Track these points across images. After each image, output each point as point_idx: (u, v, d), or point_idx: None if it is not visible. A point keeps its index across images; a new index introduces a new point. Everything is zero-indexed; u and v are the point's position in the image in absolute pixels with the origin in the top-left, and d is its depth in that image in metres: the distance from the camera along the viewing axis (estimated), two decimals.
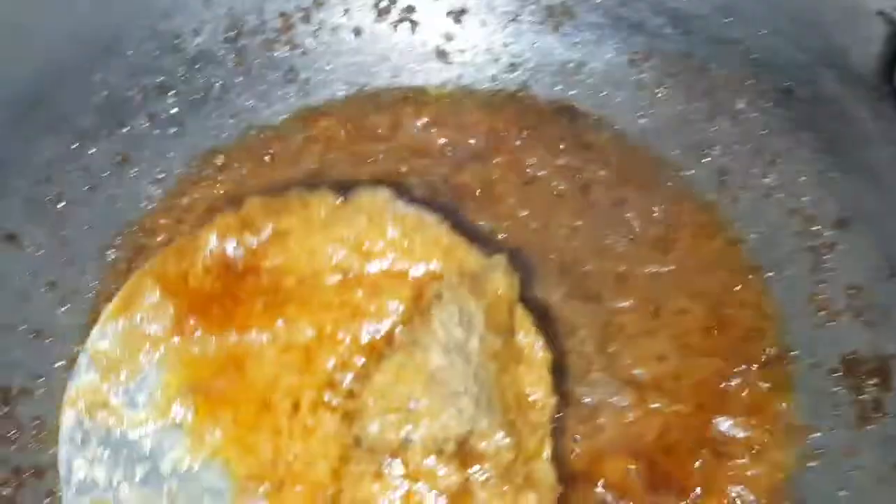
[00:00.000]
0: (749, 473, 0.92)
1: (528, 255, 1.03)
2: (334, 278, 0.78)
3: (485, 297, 0.76)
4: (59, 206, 1.00)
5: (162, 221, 1.05)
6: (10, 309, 0.95)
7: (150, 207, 1.05)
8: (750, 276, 1.02)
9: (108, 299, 0.97)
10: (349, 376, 0.76)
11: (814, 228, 1.00)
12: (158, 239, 1.04)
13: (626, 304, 1.00)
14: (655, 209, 1.06)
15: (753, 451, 0.93)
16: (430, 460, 0.71)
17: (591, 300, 1.01)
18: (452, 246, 0.78)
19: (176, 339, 0.78)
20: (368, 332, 0.76)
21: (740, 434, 0.94)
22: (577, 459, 0.91)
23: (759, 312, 1.00)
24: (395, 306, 0.76)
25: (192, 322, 0.78)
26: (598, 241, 1.04)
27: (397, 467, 0.72)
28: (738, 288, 1.01)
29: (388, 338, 0.76)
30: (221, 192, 1.07)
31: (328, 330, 0.77)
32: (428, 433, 0.72)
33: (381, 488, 0.71)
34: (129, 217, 1.04)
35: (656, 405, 0.95)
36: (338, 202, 0.79)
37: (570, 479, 0.86)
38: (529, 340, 0.78)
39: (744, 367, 0.97)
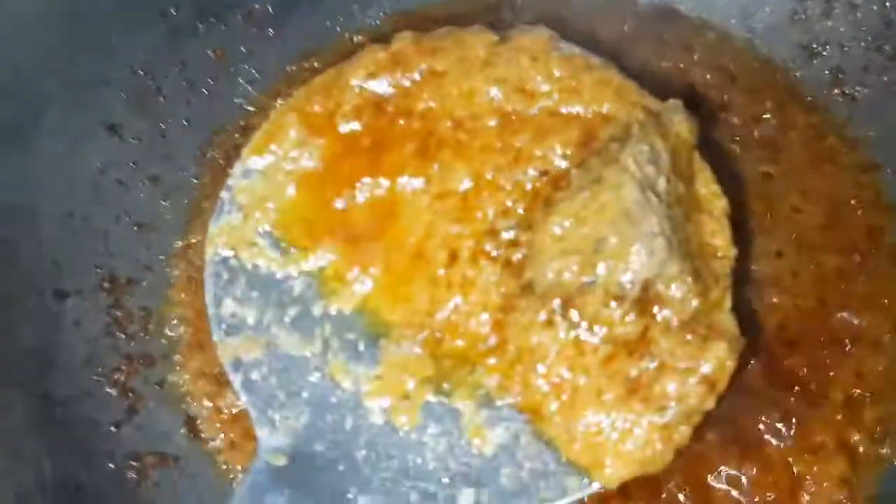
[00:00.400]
0: (870, 367, 0.89)
1: None
2: (494, 121, 0.73)
3: (668, 140, 0.70)
4: (159, 100, 0.98)
5: (258, 122, 1.01)
6: (113, 200, 0.94)
7: (245, 107, 1.04)
8: (867, 174, 0.98)
9: (209, 197, 0.99)
10: (512, 224, 0.71)
11: None
12: None
13: (746, 199, 0.96)
14: (763, 112, 1.02)
15: (875, 347, 0.90)
16: (612, 306, 0.66)
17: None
18: (624, 88, 0.73)
19: (323, 178, 0.74)
20: (533, 177, 0.71)
21: (862, 328, 0.90)
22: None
23: (878, 208, 0.96)
24: (563, 149, 0.71)
25: (339, 163, 0.74)
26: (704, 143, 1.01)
27: (574, 314, 0.67)
28: (854, 186, 0.98)
29: (557, 182, 0.71)
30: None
31: (488, 176, 0.72)
32: (612, 276, 0.66)
33: (551, 336, 0.67)
34: (227, 116, 1.03)
35: (775, 300, 0.92)
36: (496, 40, 0.74)
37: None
38: (709, 190, 0.73)
39: (863, 263, 0.94)
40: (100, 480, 0.81)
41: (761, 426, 0.86)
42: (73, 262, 0.89)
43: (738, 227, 0.92)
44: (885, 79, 0.99)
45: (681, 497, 0.82)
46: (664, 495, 0.82)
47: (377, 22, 1.09)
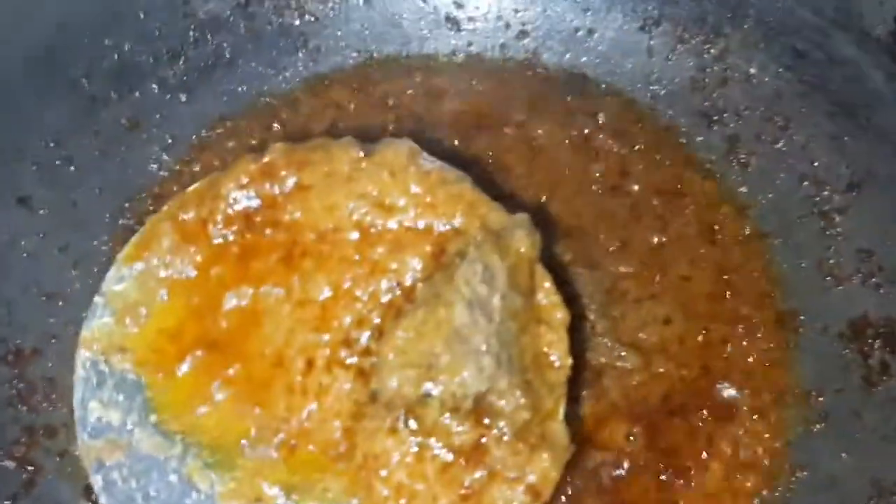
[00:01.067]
0: (753, 438, 0.90)
1: (535, 222, 1.02)
2: (354, 234, 0.76)
3: (508, 256, 0.74)
4: (70, 170, 1.00)
5: (172, 188, 1.04)
6: (23, 271, 0.95)
7: (160, 174, 1.05)
8: (756, 243, 1.00)
9: None
10: (366, 334, 0.75)
11: (824, 193, 0.98)
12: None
13: (629, 269, 0.99)
14: (661, 178, 1.05)
15: (757, 416, 0.91)
16: (447, 417, 0.70)
17: (595, 266, 1.00)
18: (476, 202, 0.76)
19: (193, 285, 0.76)
20: (388, 288, 0.75)
21: (745, 398, 0.92)
22: (581, 422, 0.91)
23: (766, 278, 0.98)
24: (416, 262, 0.75)
25: (209, 270, 0.76)
26: (602, 210, 1.03)
27: (412, 423, 0.71)
28: (743, 254, 1.00)
29: (409, 294, 0.75)
30: (230, 160, 1.05)
31: (346, 286, 0.75)
32: (446, 390, 0.70)
33: (394, 443, 0.70)
34: (140, 183, 1.04)
35: (661, 369, 0.93)
36: (361, 156, 0.77)
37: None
38: (549, 301, 0.76)
39: (750, 332, 0.96)
40: None
41: (643, 494, 0.88)
42: None
43: (623, 296, 0.98)
44: (776, 147, 1.02)
45: None
46: None
47: (290, 85, 1.12)
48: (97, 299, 0.78)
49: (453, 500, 0.69)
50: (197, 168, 1.06)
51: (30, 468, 0.88)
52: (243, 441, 0.74)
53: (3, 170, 0.96)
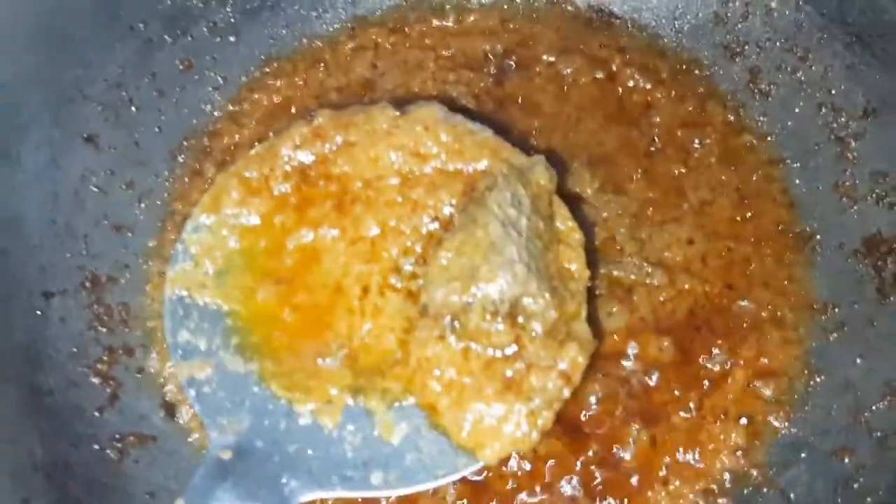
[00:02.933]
0: (773, 348, 0.94)
1: (565, 154, 1.04)
2: (395, 180, 0.85)
3: (530, 187, 0.83)
4: (131, 110, 1.01)
5: (224, 126, 1.07)
6: (93, 206, 0.98)
7: (213, 113, 1.07)
8: (775, 168, 1.02)
9: (180, 198, 1.03)
10: (411, 261, 0.83)
11: (841, 120, 0.98)
12: (224, 141, 1.06)
13: (654, 195, 1.01)
14: (684, 110, 1.06)
15: (777, 328, 0.95)
16: (487, 320, 0.77)
17: (622, 192, 1.02)
18: (498, 147, 0.85)
19: (260, 230, 0.85)
20: (427, 222, 0.84)
21: (766, 312, 0.95)
22: (612, 336, 0.95)
23: (784, 201, 1.00)
24: (450, 198, 0.84)
25: (273, 218, 0.85)
26: (627, 141, 1.05)
27: (458, 328, 0.78)
28: (763, 179, 1.02)
29: (446, 225, 0.83)
30: (278, 99, 1.08)
31: (392, 224, 0.84)
32: (485, 296, 0.77)
33: (443, 348, 0.77)
34: (195, 122, 1.06)
35: (686, 286, 0.96)
36: (396, 115, 0.86)
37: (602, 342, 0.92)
38: (566, 226, 0.85)
39: (769, 251, 0.98)
40: (86, 459, 0.87)
41: (671, 399, 0.92)
42: (58, 265, 0.93)
43: (650, 220, 1.01)
44: (795, 77, 1.02)
45: (593, 468, 0.90)
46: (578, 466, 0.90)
47: (331, 27, 1.13)
48: (178, 247, 0.85)
49: (497, 388, 0.76)
50: (247, 106, 1.08)
51: (112, 383, 0.93)
52: (312, 356, 0.81)
53: (70, 110, 0.97)
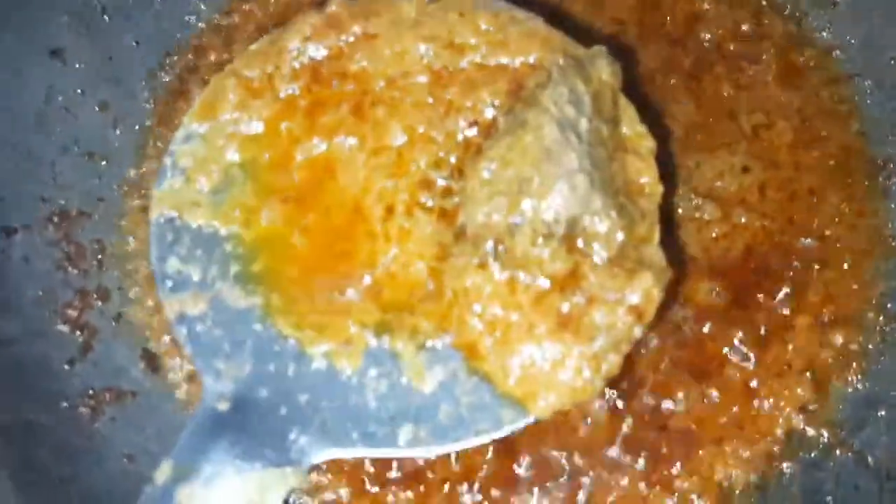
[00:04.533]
0: (842, 291, 0.82)
1: None
2: (425, 77, 0.70)
3: (591, 83, 0.67)
4: (103, 19, 0.88)
5: (211, 41, 0.93)
6: (60, 129, 0.85)
7: (198, 25, 0.93)
8: (843, 87, 0.88)
9: (162, 122, 0.91)
10: (445, 174, 0.69)
11: None
12: (211, 58, 0.92)
13: (702, 118, 0.87)
14: (736, 21, 0.91)
15: (846, 269, 0.82)
16: (539, 244, 0.63)
17: (665, 115, 0.88)
18: (550, 38, 0.70)
19: (263, 140, 0.71)
20: (463, 127, 0.69)
21: (833, 251, 0.83)
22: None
23: (854, 124, 0.87)
24: (492, 99, 0.69)
25: (279, 125, 0.71)
26: (671, 57, 0.90)
27: (502, 254, 0.64)
28: (829, 100, 0.88)
29: (487, 131, 0.68)
30: (274, 8, 0.94)
31: (420, 130, 0.69)
32: (537, 215, 0.63)
33: (485, 278, 0.63)
34: (178, 35, 0.92)
35: (742, 220, 0.84)
36: (426, 1, 0.71)
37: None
38: (634, 131, 0.69)
39: (836, 181, 0.85)
40: (54, 419, 0.76)
41: (725, 349, 0.80)
42: (20, 197, 0.82)
43: (697, 146, 0.87)
44: None
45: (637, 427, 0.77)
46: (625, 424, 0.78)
47: None
48: (166, 160, 0.72)
49: (551, 326, 0.62)
50: (237, 19, 0.94)
51: (84, 331, 0.82)
52: (327, 288, 0.68)
53: (34, 20, 0.84)
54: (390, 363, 0.65)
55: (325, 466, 0.79)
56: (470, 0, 0.71)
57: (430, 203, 0.68)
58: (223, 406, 0.64)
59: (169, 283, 0.69)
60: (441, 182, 0.68)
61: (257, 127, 0.71)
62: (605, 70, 0.68)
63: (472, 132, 0.68)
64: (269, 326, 0.67)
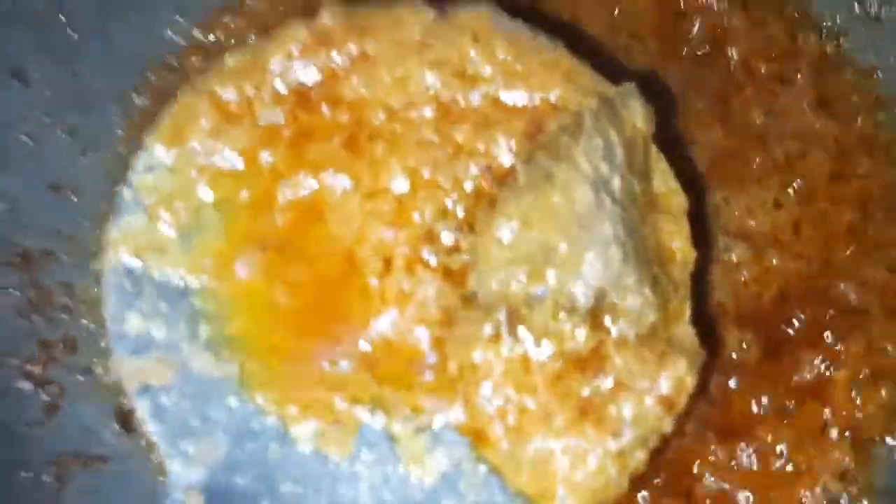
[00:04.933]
0: (886, 342, 0.77)
1: None
2: (431, 111, 0.64)
3: (623, 131, 0.62)
4: (71, 38, 0.82)
5: (192, 60, 0.85)
6: (25, 159, 0.80)
7: (176, 40, 0.85)
8: (887, 112, 0.84)
9: (135, 148, 0.83)
10: (452, 228, 0.62)
11: None
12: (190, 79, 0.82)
13: (730, 146, 0.83)
14: (768, 38, 0.86)
15: (891, 316, 0.78)
16: (562, 319, 0.58)
17: (689, 143, 0.82)
18: (575, 71, 0.64)
19: (240, 175, 0.64)
20: (475, 174, 0.62)
21: (875, 296, 0.79)
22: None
23: None
24: (508, 141, 0.62)
25: (259, 158, 0.64)
26: (695, 77, 0.85)
27: (519, 328, 0.58)
28: (870, 126, 0.84)
29: (500, 179, 0.62)
30: (262, 23, 0.82)
31: (425, 173, 0.63)
32: (563, 287, 0.58)
33: (495, 353, 0.58)
34: (153, 52, 0.85)
35: (774, 262, 0.80)
36: (433, 18, 0.64)
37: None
38: (667, 187, 0.64)
39: (881, 218, 0.81)
40: (13, 490, 0.71)
41: (753, 416, 0.75)
42: None
43: (725, 179, 0.81)
44: None
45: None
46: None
47: None
48: (125, 192, 0.67)
49: (571, 416, 0.58)
50: (220, 35, 0.86)
51: (48, 388, 0.76)
52: (314, 356, 0.62)
53: None
54: (385, 447, 0.60)
55: None
56: (485, 19, 0.64)
57: (433, 260, 0.62)
58: (194, 499, 0.59)
59: (128, 346, 0.63)
60: (448, 237, 0.62)
61: (234, 159, 0.64)
62: (638, 114, 0.62)
63: (485, 180, 0.62)
64: (247, 401, 0.61)
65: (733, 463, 0.73)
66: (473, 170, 0.62)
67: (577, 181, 0.58)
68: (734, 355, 0.76)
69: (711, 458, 0.73)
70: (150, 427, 0.62)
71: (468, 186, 0.62)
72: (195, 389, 0.62)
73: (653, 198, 0.63)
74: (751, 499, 0.72)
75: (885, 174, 0.82)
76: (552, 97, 0.63)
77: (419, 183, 0.63)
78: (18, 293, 0.78)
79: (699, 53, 0.87)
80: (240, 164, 0.64)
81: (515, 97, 0.63)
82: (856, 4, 0.85)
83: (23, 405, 0.75)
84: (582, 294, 0.58)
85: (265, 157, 0.64)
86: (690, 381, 0.59)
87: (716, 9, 0.87)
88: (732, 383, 0.75)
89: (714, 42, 0.87)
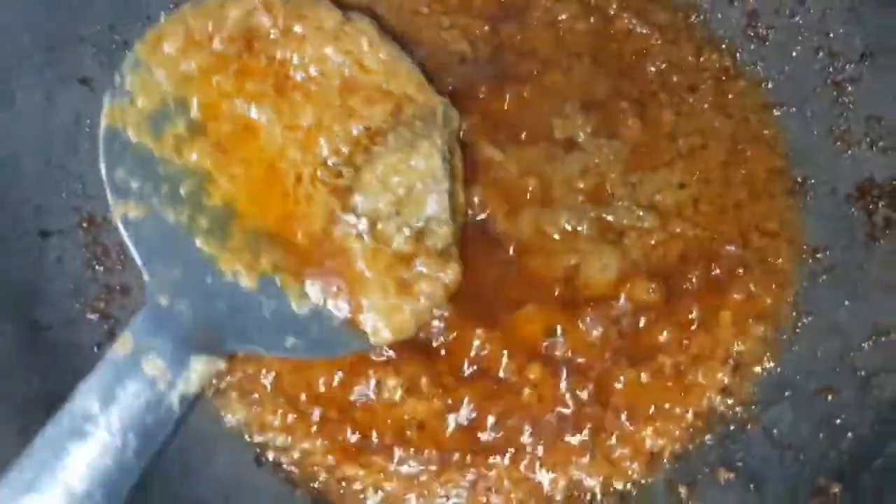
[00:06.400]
0: (763, 290, 0.94)
1: (558, 99, 1.02)
2: (338, 82, 0.89)
3: (448, 125, 0.92)
4: (126, 53, 0.96)
5: None
6: (89, 147, 0.95)
7: None
8: (771, 114, 1.00)
9: None
10: (339, 161, 0.88)
11: (838, 64, 0.96)
12: None
13: (647, 140, 0.98)
14: (680, 56, 1.03)
15: (767, 272, 0.94)
16: (403, 231, 0.86)
17: (614, 136, 0.99)
18: (422, 82, 0.92)
19: (196, 84, 0.87)
20: (359, 129, 0.89)
21: (757, 256, 0.95)
22: (604, 279, 0.94)
23: (779, 147, 0.99)
24: (382, 116, 0.89)
25: (210, 76, 0.87)
26: (622, 87, 1.02)
27: (376, 232, 0.86)
28: (758, 125, 1.00)
29: (372, 137, 0.89)
30: None
31: (326, 121, 0.88)
32: (409, 212, 0.87)
33: (360, 245, 0.85)
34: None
35: (677, 229, 0.95)
36: (342, 19, 0.90)
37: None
38: (457, 166, 0.93)
39: (762, 196, 0.97)
40: None
41: (657, 345, 0.92)
42: (54, 205, 0.93)
43: (641, 164, 0.99)
44: (793, 20, 1.00)
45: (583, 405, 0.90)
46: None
47: None
48: (116, 78, 0.87)
49: (395, 287, 0.85)
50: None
51: (110, 320, 0.93)
52: (241, 225, 0.86)
53: (64, 52, 0.95)
54: (278, 289, 0.84)
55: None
56: (374, 29, 0.91)
57: (326, 179, 0.87)
58: (164, 300, 0.80)
59: (115, 190, 0.84)
60: (337, 166, 0.88)
61: (192, 69, 0.86)
62: (455, 116, 0.93)
63: (364, 135, 0.88)
64: (192, 242, 0.83)
65: (640, 382, 0.92)
66: (359, 127, 0.88)
67: (433, 153, 0.87)
68: (644, 298, 0.92)
69: (622, 377, 0.91)
70: (133, 250, 0.82)
71: (353, 135, 0.87)
72: (160, 227, 0.83)
73: (454, 169, 0.92)
74: (652, 409, 0.91)
75: (767, 162, 0.97)
76: (410, 92, 0.89)
77: (322, 127, 0.86)
78: (86, 249, 0.94)
79: (624, 68, 1.02)
80: (196, 74, 0.86)
81: (388, 87, 0.88)
82: (749, 28, 1.01)
83: (90, 331, 0.92)
84: (417, 219, 0.86)
85: (215, 77, 0.86)
86: (457, 279, 0.86)
87: (638, 32, 1.03)
88: (641, 322, 0.92)
89: (636, 58, 1.03)
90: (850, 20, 0.96)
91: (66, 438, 0.73)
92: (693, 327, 0.93)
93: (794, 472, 0.85)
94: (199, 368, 0.78)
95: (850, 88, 0.96)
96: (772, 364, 0.91)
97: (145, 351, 0.77)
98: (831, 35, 0.98)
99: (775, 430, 0.88)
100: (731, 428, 0.90)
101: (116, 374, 0.75)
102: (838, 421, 0.84)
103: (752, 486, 0.86)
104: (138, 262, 0.82)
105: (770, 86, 1.01)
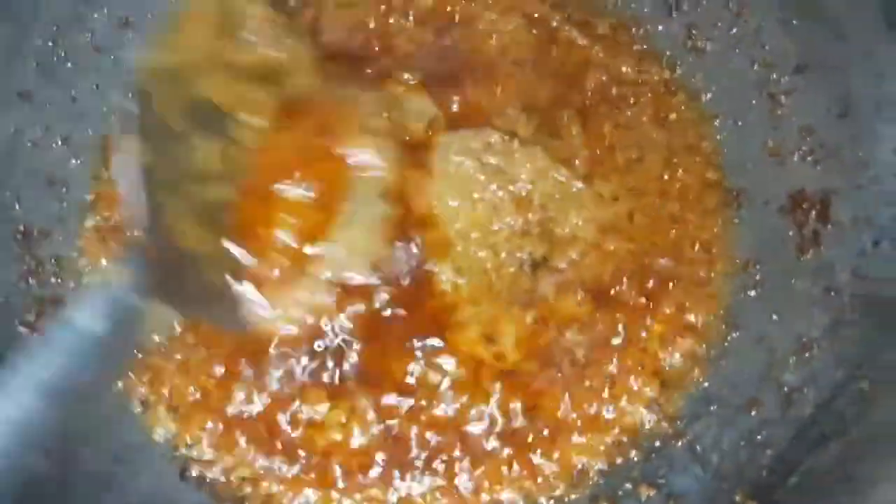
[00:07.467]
0: (694, 304, 0.94)
1: (504, 100, 1.02)
2: None
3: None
4: (68, 67, 1.01)
5: None
6: (27, 160, 0.98)
7: None
8: (707, 126, 1.01)
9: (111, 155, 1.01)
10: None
11: (773, 76, 0.97)
12: None
13: (584, 152, 0.99)
14: (621, 68, 1.04)
15: (699, 286, 0.95)
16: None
17: (555, 137, 1.00)
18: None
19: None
20: None
21: (689, 269, 0.95)
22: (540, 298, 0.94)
23: (714, 159, 0.99)
24: None
25: None
26: (562, 97, 1.03)
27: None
28: (694, 137, 1.01)
29: None
30: None
31: None
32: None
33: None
34: (131, 80, 1.05)
35: (612, 247, 0.95)
36: None
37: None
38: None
39: (696, 209, 0.98)
40: None
41: (589, 353, 0.92)
42: None
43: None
44: (730, 33, 1.00)
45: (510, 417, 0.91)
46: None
47: None
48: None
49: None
50: None
51: (40, 334, 0.94)
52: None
53: (4, 67, 0.97)
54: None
55: None
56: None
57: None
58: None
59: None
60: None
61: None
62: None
63: None
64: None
65: (568, 396, 0.92)
66: None
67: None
68: (573, 311, 0.92)
69: (549, 392, 0.91)
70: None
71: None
72: None
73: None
74: (580, 424, 0.91)
75: (702, 174, 0.98)
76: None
77: None
78: (20, 262, 0.95)
79: (567, 77, 1.03)
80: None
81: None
82: (688, 41, 1.02)
83: (20, 344, 0.92)
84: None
85: None
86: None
87: (580, 44, 1.05)
88: (569, 335, 0.92)
89: (578, 70, 1.03)
90: (784, 33, 0.97)
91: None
92: (622, 341, 0.93)
93: (714, 489, 0.85)
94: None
95: (784, 100, 0.96)
96: (700, 379, 0.91)
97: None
98: (766, 47, 0.98)
99: (698, 446, 0.88)
100: (657, 444, 0.90)
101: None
102: (759, 437, 0.84)
103: (670, 503, 0.86)
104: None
105: (708, 97, 1.02)
